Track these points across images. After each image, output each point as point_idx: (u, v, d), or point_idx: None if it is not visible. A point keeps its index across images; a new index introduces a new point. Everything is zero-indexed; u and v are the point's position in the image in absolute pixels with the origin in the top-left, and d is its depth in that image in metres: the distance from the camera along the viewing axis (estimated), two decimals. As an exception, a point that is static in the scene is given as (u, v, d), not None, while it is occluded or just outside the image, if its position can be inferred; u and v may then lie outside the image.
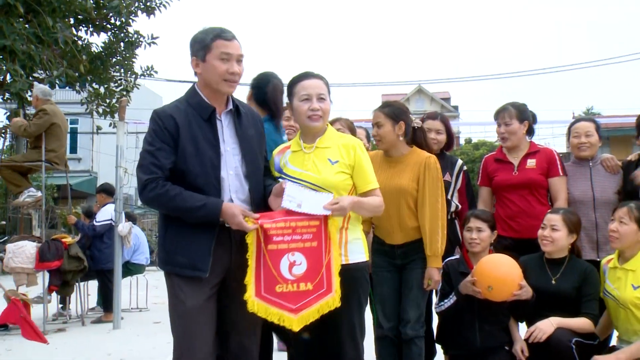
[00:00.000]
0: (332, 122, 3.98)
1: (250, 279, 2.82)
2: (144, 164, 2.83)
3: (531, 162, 4.23)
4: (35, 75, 10.65)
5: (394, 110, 3.75)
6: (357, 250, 3.08)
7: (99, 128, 14.63)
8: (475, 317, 3.85)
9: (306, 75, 3.14)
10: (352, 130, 4.49)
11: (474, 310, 3.84)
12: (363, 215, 3.11)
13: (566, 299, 3.74)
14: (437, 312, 4.05)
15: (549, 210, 3.95)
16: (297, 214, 2.86)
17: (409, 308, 3.69)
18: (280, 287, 2.81)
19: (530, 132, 4.37)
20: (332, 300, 2.83)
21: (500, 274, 3.68)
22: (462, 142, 33.91)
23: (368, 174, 3.11)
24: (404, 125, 3.74)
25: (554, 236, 3.78)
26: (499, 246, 4.10)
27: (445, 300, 3.93)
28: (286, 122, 4.26)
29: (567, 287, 3.76)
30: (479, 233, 3.95)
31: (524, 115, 4.29)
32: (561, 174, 4.21)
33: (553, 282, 3.79)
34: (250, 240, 2.84)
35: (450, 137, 4.55)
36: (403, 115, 3.75)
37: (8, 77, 9.36)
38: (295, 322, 2.82)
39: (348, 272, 2.97)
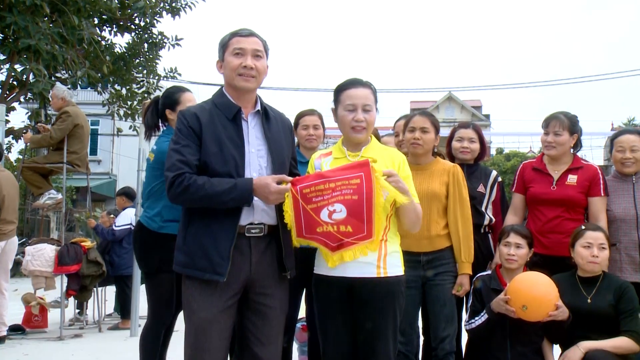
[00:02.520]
0: None
1: (291, 225, 2.84)
2: (170, 162, 2.79)
3: (572, 178, 4.05)
4: (58, 75, 10.66)
5: (436, 122, 3.89)
6: (395, 264, 2.99)
7: (119, 130, 14.62)
8: (507, 337, 3.73)
9: (353, 83, 3.07)
10: (377, 139, 4.41)
11: (505, 329, 3.72)
12: (405, 215, 3.00)
13: (603, 318, 3.61)
14: (466, 330, 3.94)
15: (585, 228, 3.78)
16: (334, 173, 2.83)
17: (445, 325, 3.66)
18: (320, 229, 2.81)
19: (576, 146, 4.19)
20: (371, 243, 2.83)
21: (536, 293, 3.55)
22: (493, 152, 33.48)
23: (411, 188, 3.04)
24: (439, 138, 3.89)
25: (603, 255, 3.67)
26: (528, 262, 3.96)
27: (476, 318, 3.81)
28: (304, 131, 4.16)
29: (604, 305, 3.62)
30: (517, 249, 3.83)
31: (574, 128, 4.12)
32: (603, 194, 4.03)
33: (588, 301, 3.66)
34: (288, 207, 2.81)
35: (484, 146, 4.45)
36: (439, 128, 3.91)
37: (31, 76, 9.35)
38: (331, 258, 2.85)
39: (386, 286, 2.94)
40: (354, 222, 2.79)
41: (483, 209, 4.22)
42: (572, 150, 4.17)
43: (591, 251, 3.67)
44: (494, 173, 4.39)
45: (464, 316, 4.00)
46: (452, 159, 4.38)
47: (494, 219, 4.25)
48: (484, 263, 4.14)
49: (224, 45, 2.93)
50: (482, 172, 4.34)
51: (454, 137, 4.36)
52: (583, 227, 3.79)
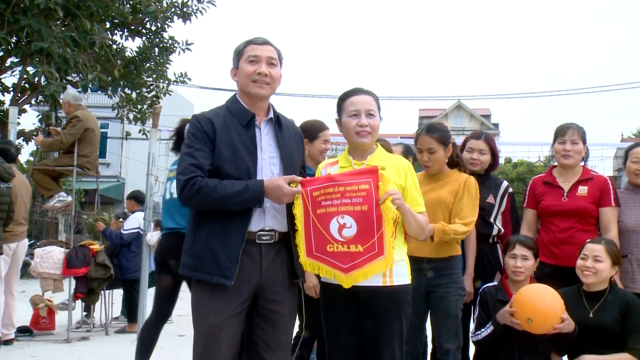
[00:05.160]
0: None
1: (300, 242, 2.83)
2: (183, 165, 2.80)
3: (582, 190, 4.04)
4: (69, 78, 10.72)
5: (443, 135, 3.81)
6: (402, 272, 3.00)
7: (128, 134, 14.68)
8: (514, 349, 3.71)
9: (355, 91, 3.11)
10: (389, 150, 4.38)
11: (512, 341, 3.70)
12: (407, 227, 3.01)
13: (607, 333, 3.58)
14: (473, 342, 3.93)
15: (588, 240, 3.80)
16: (343, 177, 2.84)
17: (448, 337, 3.63)
18: (331, 247, 2.80)
19: (586, 157, 4.19)
20: (384, 262, 2.79)
21: (541, 307, 3.55)
22: (501, 161, 33.30)
23: (417, 196, 3.09)
24: (452, 147, 3.83)
25: (598, 267, 3.63)
26: (539, 273, 3.96)
27: (482, 330, 3.80)
28: (324, 145, 4.21)
29: (608, 320, 3.59)
30: (524, 261, 3.82)
31: (585, 139, 4.13)
32: (614, 204, 4.02)
33: (591, 315, 3.64)
34: (298, 210, 2.82)
35: (495, 157, 4.41)
36: (450, 137, 3.84)
37: (42, 79, 9.42)
38: (345, 280, 2.82)
39: (392, 294, 2.95)
40: (365, 240, 2.78)
41: (492, 219, 4.20)
42: (582, 161, 4.17)
43: (584, 262, 3.69)
44: (505, 184, 4.35)
45: (471, 327, 3.99)
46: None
47: (502, 230, 4.24)
48: (491, 273, 4.13)
49: (238, 53, 2.95)
50: (493, 183, 4.31)
51: (465, 147, 4.35)
52: (589, 240, 3.79)
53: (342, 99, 3.12)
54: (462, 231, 3.65)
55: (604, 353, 3.55)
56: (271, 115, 2.99)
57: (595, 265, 3.63)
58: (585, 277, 3.67)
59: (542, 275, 3.93)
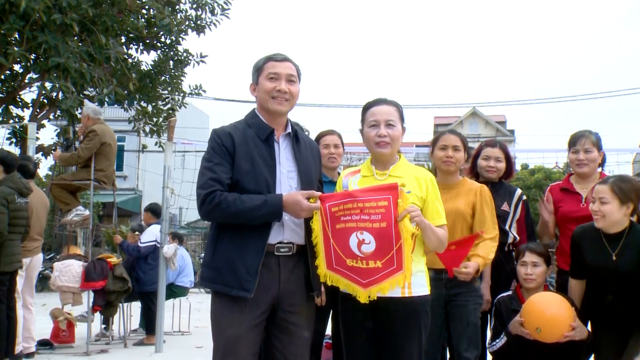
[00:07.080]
0: None
1: (320, 254, 2.86)
2: (203, 180, 2.85)
3: None
4: (86, 92, 10.85)
5: (465, 140, 3.89)
6: (420, 283, 2.98)
7: (144, 146, 14.79)
8: (531, 358, 3.65)
9: (377, 102, 3.14)
10: None
11: (528, 350, 3.64)
12: (426, 241, 3.00)
13: (629, 275, 3.47)
14: (490, 352, 3.90)
15: (598, 180, 3.72)
16: (362, 194, 2.83)
17: (467, 345, 3.59)
18: (351, 262, 2.82)
19: (602, 163, 4.16)
20: (402, 276, 2.79)
21: (549, 315, 3.50)
22: (517, 167, 33.24)
23: (438, 209, 3.07)
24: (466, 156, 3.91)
25: (604, 210, 3.46)
26: (560, 280, 3.92)
27: (497, 340, 3.78)
28: (326, 150, 4.21)
29: (630, 261, 3.46)
30: (534, 268, 3.79)
31: (600, 145, 4.11)
32: None
33: (613, 258, 3.50)
34: (316, 225, 2.85)
35: (510, 165, 4.39)
36: (467, 147, 3.91)
37: (60, 94, 9.55)
38: (363, 294, 2.83)
39: (411, 305, 2.94)
40: (384, 256, 2.77)
41: (507, 227, 4.18)
42: (598, 167, 4.15)
43: (593, 206, 3.55)
44: (519, 191, 4.34)
45: (488, 337, 3.97)
46: (476, 175, 4.35)
47: (518, 238, 4.21)
48: (507, 282, 4.10)
49: (258, 69, 3.00)
50: (507, 190, 4.30)
51: (480, 155, 4.33)
52: (599, 181, 3.72)
53: (365, 110, 3.15)
54: (494, 250, 3.68)
55: (627, 298, 3.45)
56: (289, 130, 3.03)
57: (601, 208, 3.47)
58: (596, 221, 3.53)
59: (563, 283, 3.89)
